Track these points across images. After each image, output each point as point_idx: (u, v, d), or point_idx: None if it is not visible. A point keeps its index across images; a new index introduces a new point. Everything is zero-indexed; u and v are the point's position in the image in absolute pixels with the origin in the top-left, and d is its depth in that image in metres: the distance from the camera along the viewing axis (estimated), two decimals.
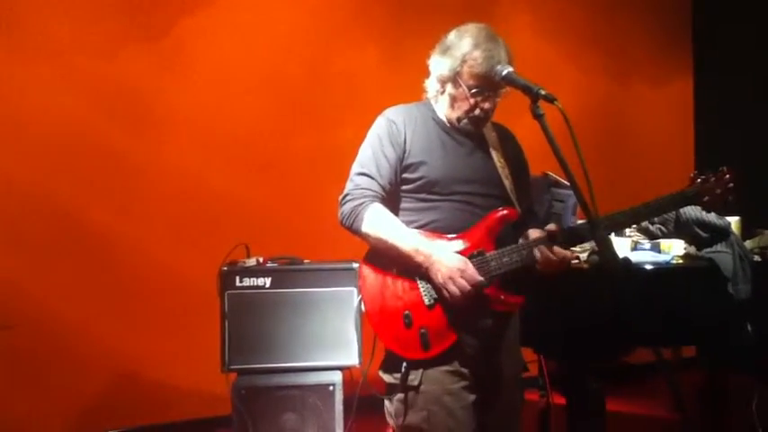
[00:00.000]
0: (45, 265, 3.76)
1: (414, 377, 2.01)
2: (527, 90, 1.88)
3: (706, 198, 2.15)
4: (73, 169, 3.84)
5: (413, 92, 2.24)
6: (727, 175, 2.16)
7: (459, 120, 2.10)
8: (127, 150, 3.95)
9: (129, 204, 3.97)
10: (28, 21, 3.77)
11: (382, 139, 2.10)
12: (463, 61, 2.02)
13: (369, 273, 2.08)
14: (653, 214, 2.45)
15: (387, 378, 2.09)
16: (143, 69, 4.00)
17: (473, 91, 2.03)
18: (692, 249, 2.95)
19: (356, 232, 2.06)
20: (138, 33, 4.00)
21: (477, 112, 2.07)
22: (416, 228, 2.06)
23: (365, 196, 2.05)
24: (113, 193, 3.93)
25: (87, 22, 3.88)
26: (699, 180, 2.17)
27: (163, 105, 4.05)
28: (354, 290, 3.18)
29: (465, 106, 2.07)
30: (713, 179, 2.16)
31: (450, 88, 2.08)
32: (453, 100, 2.08)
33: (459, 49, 2.03)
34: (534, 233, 2.10)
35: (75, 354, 3.78)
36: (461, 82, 2.04)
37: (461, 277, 1.94)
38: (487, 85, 2.03)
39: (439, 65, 2.09)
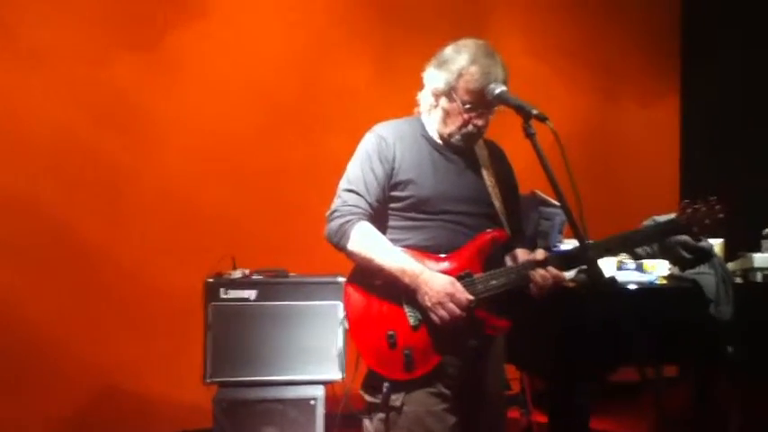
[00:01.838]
0: (27, 273, 3.72)
1: (396, 398, 1.98)
2: (519, 109, 1.89)
3: (695, 229, 2.13)
4: (59, 177, 3.81)
5: (404, 107, 2.23)
6: (718, 206, 2.12)
7: (450, 135, 2.08)
8: (115, 160, 3.93)
9: (115, 213, 3.94)
10: (20, 29, 3.76)
11: (371, 156, 2.07)
12: (459, 75, 2.01)
13: (353, 291, 2.05)
14: (642, 242, 2.45)
15: (368, 397, 2.06)
16: (134, 80, 3.99)
17: (467, 107, 2.02)
18: (676, 270, 2.97)
19: (342, 250, 2.03)
20: (130, 43, 3.99)
21: (469, 128, 2.05)
22: (404, 247, 2.03)
23: (353, 214, 2.02)
24: (99, 202, 3.90)
25: (79, 31, 3.87)
26: (689, 210, 2.14)
27: (153, 116, 4.04)
28: (340, 304, 3.17)
29: (458, 122, 2.05)
30: (704, 209, 2.13)
31: (443, 102, 2.06)
32: (446, 115, 2.07)
33: (456, 63, 2.02)
34: (522, 254, 2.10)
35: (56, 364, 3.73)
36: (456, 97, 2.02)
37: (451, 302, 1.91)
38: (482, 101, 2.01)
39: (434, 78, 2.07)
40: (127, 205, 3.97)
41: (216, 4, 4.21)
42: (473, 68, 2.00)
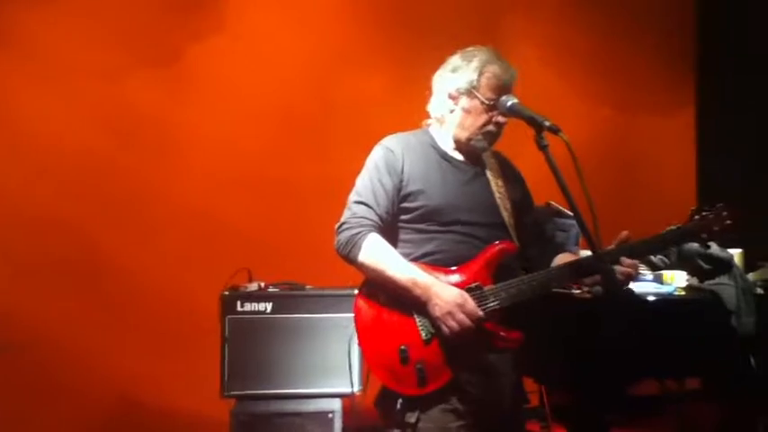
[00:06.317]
0: (48, 287, 3.77)
1: (411, 415, 1.96)
2: (531, 121, 1.89)
3: (704, 235, 2.13)
4: (78, 193, 3.88)
5: (420, 120, 2.24)
6: (725, 213, 2.13)
7: (470, 138, 2.09)
8: (134, 175, 3.99)
9: (133, 227, 3.99)
10: (39, 49, 3.85)
11: (380, 168, 2.08)
12: (481, 73, 2.05)
13: (363, 305, 2.03)
14: (652, 251, 2.44)
15: (382, 413, 2.04)
16: (152, 95, 4.05)
17: (490, 103, 2.04)
18: (695, 281, 2.94)
19: (352, 262, 2.02)
20: (148, 60, 4.06)
21: (490, 126, 2.07)
22: (414, 259, 2.03)
23: (362, 225, 2.02)
24: (117, 217, 3.96)
25: (98, 49, 3.95)
26: (697, 217, 2.14)
27: (171, 131, 4.09)
28: None
29: (480, 121, 2.07)
30: (711, 216, 2.13)
31: (464, 102, 2.08)
32: (467, 114, 2.08)
33: (475, 62, 2.06)
34: (565, 257, 2.11)
35: (76, 377, 3.76)
36: (478, 94, 2.05)
37: (461, 312, 1.90)
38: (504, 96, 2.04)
39: (452, 80, 2.09)
40: (144, 220, 4.01)
41: (232, 19, 4.26)
42: (493, 66, 2.05)
